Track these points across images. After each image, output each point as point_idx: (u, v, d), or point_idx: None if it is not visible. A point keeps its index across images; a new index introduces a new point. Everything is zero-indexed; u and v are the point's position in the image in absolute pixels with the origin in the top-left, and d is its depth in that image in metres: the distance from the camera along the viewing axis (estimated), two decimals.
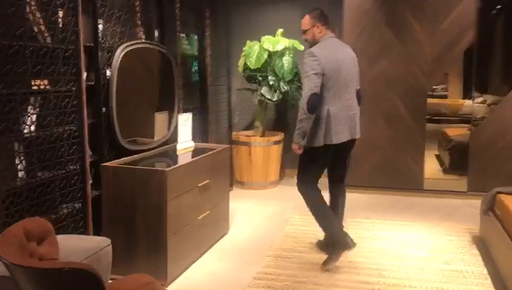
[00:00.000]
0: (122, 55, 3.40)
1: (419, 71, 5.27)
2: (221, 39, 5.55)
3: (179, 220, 3.33)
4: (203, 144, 4.36)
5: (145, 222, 3.23)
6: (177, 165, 3.36)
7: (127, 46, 3.49)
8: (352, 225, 4.40)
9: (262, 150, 5.64)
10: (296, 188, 3.63)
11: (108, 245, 2.83)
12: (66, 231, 3.09)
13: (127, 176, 3.24)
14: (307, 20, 3.39)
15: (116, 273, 3.30)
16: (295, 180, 3.62)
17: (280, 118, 6.32)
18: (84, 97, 3.20)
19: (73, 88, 3.12)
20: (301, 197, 3.60)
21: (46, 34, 2.94)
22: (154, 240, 3.22)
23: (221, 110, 5.58)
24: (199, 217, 3.64)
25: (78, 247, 2.67)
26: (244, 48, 5.61)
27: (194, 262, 3.60)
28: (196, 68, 4.98)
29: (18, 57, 2.69)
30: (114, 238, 3.28)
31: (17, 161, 2.77)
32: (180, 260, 3.39)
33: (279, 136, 5.83)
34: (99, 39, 3.32)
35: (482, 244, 3.86)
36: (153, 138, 4.04)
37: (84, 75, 3.23)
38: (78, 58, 3.11)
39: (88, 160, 3.26)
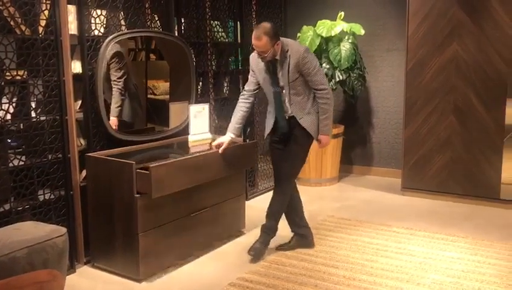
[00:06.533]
0: (111, 44, 3.33)
1: (499, 58, 4.37)
2: None
3: (156, 217, 3.19)
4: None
5: (119, 216, 3.15)
6: (159, 162, 3.20)
7: (119, 35, 3.41)
8: (383, 233, 3.85)
9: (314, 144, 5.19)
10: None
11: (60, 235, 2.77)
12: (46, 217, 3.15)
13: (105, 167, 3.19)
14: (265, 42, 3.14)
15: (99, 265, 3.33)
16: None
17: (341, 111, 5.83)
18: (70, 87, 3.21)
19: (54, 78, 3.13)
20: (283, 197, 3.50)
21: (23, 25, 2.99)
22: (128, 236, 3.13)
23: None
24: (192, 215, 3.46)
25: (25, 235, 2.67)
26: (298, 34, 5.23)
27: (184, 261, 3.44)
28: (233, 57, 4.75)
29: None
30: (97, 229, 3.31)
31: None
32: (159, 259, 3.24)
33: (336, 130, 5.34)
34: (86, 29, 3.30)
35: None
36: (168, 127, 3.98)
37: (72, 65, 3.25)
38: (58, 49, 3.11)
39: (74, 149, 3.27)
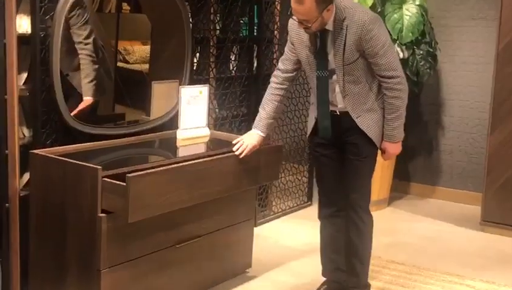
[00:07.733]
0: None
1: None
2: None
3: (128, 247, 3.22)
4: (229, 134, 4.16)
5: (75, 244, 3.18)
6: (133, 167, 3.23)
7: None
8: (452, 287, 3.89)
9: None
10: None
11: None
12: None
13: (57, 171, 3.21)
14: (310, 7, 3.04)
15: None
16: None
17: None
18: (13, 53, 3.24)
19: None
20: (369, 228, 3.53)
21: None
22: (86, 273, 3.15)
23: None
24: (177, 246, 3.50)
25: None
26: None
27: None
28: (246, 18, 4.80)
29: None
30: (41, 261, 3.35)
31: None
32: None
33: None
34: None
35: None
36: (148, 116, 4.04)
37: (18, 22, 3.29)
38: None
39: (14, 142, 3.30)
